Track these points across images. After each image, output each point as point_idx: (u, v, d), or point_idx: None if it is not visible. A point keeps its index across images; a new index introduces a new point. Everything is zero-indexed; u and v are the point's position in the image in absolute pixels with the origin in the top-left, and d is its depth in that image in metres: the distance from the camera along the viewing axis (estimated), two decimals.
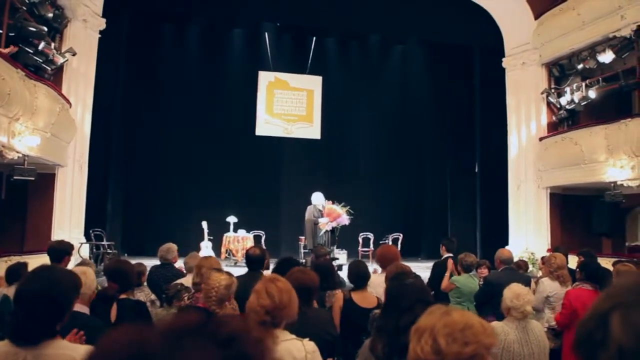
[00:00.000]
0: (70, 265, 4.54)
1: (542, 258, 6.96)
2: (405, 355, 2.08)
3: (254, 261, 4.19)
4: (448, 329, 1.32)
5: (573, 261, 6.43)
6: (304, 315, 2.74)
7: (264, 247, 10.20)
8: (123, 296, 3.33)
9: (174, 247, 5.24)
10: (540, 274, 6.85)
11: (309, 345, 2.14)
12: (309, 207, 9.88)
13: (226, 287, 2.87)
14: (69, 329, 1.87)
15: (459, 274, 5.24)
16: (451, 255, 6.05)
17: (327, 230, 9.61)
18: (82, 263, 4.97)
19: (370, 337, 2.31)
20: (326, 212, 9.66)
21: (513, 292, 3.06)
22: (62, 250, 4.43)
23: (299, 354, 2.07)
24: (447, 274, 5.29)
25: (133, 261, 4.30)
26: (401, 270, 3.37)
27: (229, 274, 2.99)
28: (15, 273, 4.13)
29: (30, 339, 1.72)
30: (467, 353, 1.29)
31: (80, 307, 2.57)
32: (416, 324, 1.39)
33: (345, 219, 10.05)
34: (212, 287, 2.85)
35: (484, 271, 5.96)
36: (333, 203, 10.12)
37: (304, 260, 9.45)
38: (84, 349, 1.82)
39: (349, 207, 10.27)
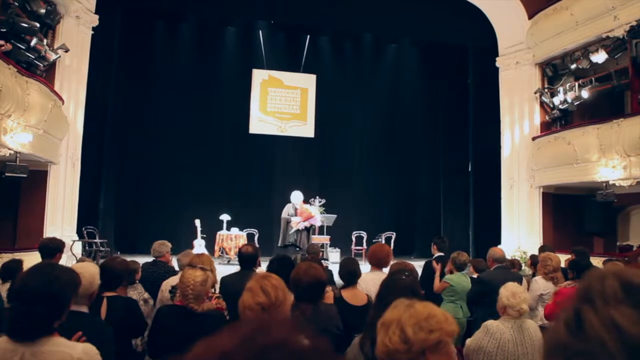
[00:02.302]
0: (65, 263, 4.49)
1: (532, 257, 6.99)
2: None
3: (247, 259, 4.17)
4: (414, 319, 1.42)
5: (564, 260, 6.48)
6: (317, 310, 2.74)
7: (256, 244, 10.16)
8: (112, 294, 3.32)
9: (167, 244, 5.21)
10: (528, 271, 6.85)
11: None
12: (287, 205, 9.83)
13: (202, 283, 2.79)
14: (69, 329, 1.86)
15: (443, 275, 5.27)
16: (442, 254, 6.08)
17: (299, 230, 9.55)
18: (81, 261, 4.94)
19: (360, 335, 2.33)
20: (299, 211, 9.61)
21: (509, 291, 3.06)
22: (53, 248, 4.40)
23: None
24: (437, 275, 5.29)
25: (126, 259, 4.28)
26: (402, 267, 3.39)
27: (203, 269, 2.89)
28: (9, 271, 4.10)
29: (28, 336, 1.73)
30: (432, 340, 1.40)
31: (80, 307, 2.53)
32: (382, 318, 1.47)
33: (317, 220, 10.02)
34: (187, 285, 2.77)
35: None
36: (308, 202, 10.04)
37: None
38: (81, 346, 1.83)
39: (324, 208, 10.23)
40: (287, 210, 9.65)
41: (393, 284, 2.35)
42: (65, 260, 5.37)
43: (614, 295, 0.66)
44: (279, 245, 9.48)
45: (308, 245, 7.90)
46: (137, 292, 4.18)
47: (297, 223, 9.37)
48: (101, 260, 9.20)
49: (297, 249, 9.20)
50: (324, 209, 10.30)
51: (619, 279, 0.67)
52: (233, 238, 11.92)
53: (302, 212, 9.52)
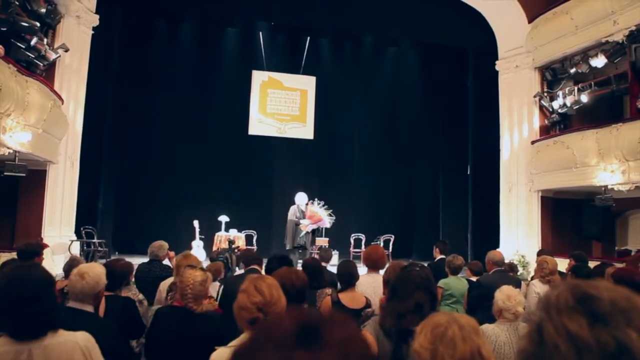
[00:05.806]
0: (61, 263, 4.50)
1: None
2: (405, 338, 2.11)
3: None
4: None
5: (563, 264, 6.48)
6: None
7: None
8: (110, 293, 3.34)
9: (165, 244, 5.22)
10: (527, 275, 6.85)
11: None
12: (292, 207, 9.85)
13: (201, 283, 2.81)
14: (74, 328, 1.92)
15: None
16: (444, 257, 6.09)
17: (307, 232, 9.60)
18: (72, 259, 4.92)
19: (379, 314, 2.35)
20: (308, 214, 9.63)
21: (504, 294, 3.08)
22: (30, 252, 4.48)
23: None
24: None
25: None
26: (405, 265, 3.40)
27: (203, 269, 2.92)
28: None
29: (33, 334, 1.79)
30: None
31: (85, 307, 2.55)
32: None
33: (326, 223, 10.04)
34: (186, 284, 2.78)
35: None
36: (313, 203, 10.04)
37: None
38: (80, 334, 1.91)
39: (331, 210, 10.23)
40: (293, 213, 9.68)
41: (408, 274, 2.32)
42: (64, 260, 5.37)
43: (566, 305, 0.75)
44: (288, 247, 9.50)
45: (320, 251, 7.91)
46: (131, 294, 4.16)
47: (306, 226, 9.41)
48: (100, 261, 9.19)
49: (300, 251, 9.26)
50: (331, 210, 10.30)
51: (573, 291, 0.77)
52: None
53: (312, 215, 9.57)
